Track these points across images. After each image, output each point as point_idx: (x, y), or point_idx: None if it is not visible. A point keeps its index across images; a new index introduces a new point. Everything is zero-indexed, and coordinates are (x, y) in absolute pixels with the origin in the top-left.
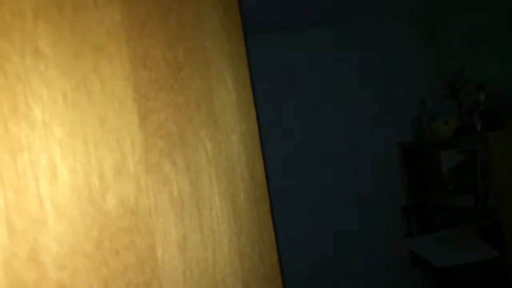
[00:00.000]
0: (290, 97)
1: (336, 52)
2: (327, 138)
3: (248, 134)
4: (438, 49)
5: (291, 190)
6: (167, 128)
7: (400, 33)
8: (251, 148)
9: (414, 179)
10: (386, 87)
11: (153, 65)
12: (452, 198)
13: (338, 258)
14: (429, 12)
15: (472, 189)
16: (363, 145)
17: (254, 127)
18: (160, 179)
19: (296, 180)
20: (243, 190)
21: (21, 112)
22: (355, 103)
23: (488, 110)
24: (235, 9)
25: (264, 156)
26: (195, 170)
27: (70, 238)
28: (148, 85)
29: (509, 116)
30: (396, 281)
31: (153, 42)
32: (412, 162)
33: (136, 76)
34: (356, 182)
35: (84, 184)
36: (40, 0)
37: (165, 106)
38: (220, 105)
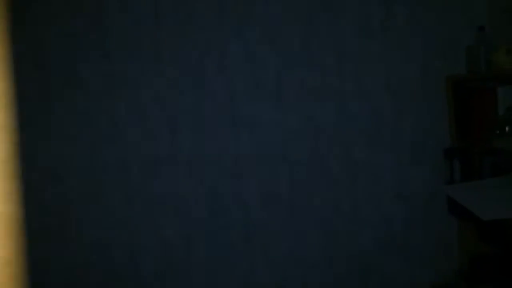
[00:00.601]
0: (324, 24)
1: None
2: (364, 69)
3: None
4: None
5: (322, 126)
6: None
7: None
8: None
9: (464, 118)
10: (436, 10)
11: None
12: (507, 141)
13: (369, 200)
14: None
15: None
16: (405, 78)
17: None
18: None
19: (327, 117)
20: None
21: None
22: (398, 27)
23: None
24: None
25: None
26: None
27: None
28: None
29: None
30: (430, 229)
31: None
32: (463, 99)
33: None
34: (395, 119)
35: None
36: None
37: None
38: None
